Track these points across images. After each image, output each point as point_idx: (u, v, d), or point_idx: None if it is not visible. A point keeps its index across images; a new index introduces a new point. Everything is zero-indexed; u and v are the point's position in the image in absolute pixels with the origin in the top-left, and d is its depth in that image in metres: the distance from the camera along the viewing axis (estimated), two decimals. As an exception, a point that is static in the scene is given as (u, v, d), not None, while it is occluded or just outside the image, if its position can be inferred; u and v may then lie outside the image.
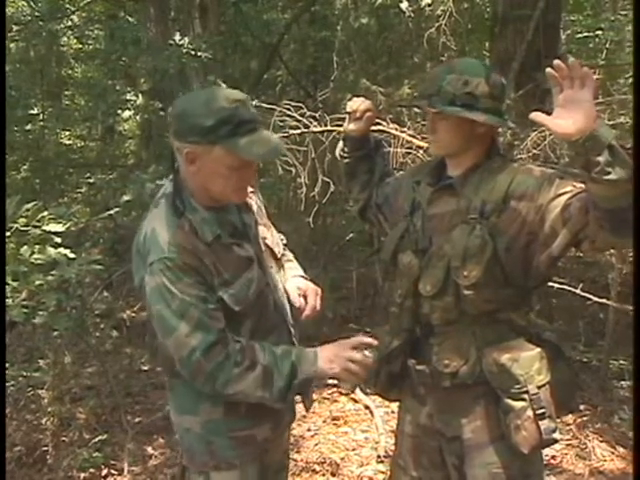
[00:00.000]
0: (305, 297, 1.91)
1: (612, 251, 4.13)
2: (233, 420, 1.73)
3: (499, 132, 3.08)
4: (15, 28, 5.45)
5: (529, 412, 1.70)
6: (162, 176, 3.46)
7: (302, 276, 1.98)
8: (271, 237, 1.87)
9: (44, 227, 2.60)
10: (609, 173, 1.36)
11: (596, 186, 1.42)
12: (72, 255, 2.68)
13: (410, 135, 3.51)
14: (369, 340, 1.70)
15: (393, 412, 3.58)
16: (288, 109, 3.40)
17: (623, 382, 4.12)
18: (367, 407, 3.93)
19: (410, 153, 3.50)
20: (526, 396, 1.71)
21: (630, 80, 5.56)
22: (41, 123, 6.58)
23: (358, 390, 4.07)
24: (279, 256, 1.91)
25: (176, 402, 1.79)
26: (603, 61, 6.31)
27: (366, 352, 1.67)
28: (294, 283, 1.93)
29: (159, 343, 1.71)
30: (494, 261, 1.70)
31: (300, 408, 1.94)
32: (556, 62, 1.38)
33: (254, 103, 3.32)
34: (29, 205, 2.62)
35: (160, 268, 1.56)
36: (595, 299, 3.76)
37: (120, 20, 6.40)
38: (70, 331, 3.64)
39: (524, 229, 1.68)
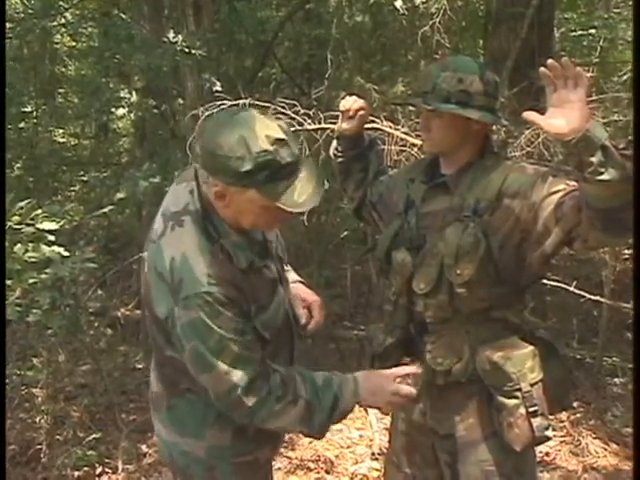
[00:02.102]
0: (309, 310, 1.86)
1: (605, 249, 4.14)
2: (239, 444, 1.65)
3: (493, 130, 3.09)
4: (8, 25, 5.42)
5: (522, 410, 1.71)
6: (156, 174, 3.46)
7: (301, 281, 1.92)
8: (279, 245, 1.80)
9: (38, 225, 2.60)
10: (602, 173, 1.37)
11: (589, 186, 1.43)
12: (66, 253, 2.67)
13: (404, 133, 3.51)
14: (414, 370, 1.64)
15: (387, 410, 3.58)
16: (282, 107, 3.39)
17: (616, 379, 4.14)
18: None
19: (404, 151, 3.49)
20: (519, 394, 1.72)
21: (624, 78, 5.58)
22: (34, 121, 6.56)
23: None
24: (285, 264, 1.84)
25: (176, 423, 1.68)
26: (597, 59, 6.32)
27: (409, 380, 1.61)
28: (299, 292, 1.86)
29: (164, 359, 1.63)
30: (487, 259, 1.70)
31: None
32: (550, 62, 1.39)
33: (249, 102, 3.33)
34: (22, 203, 2.61)
35: (198, 303, 1.44)
36: (589, 296, 3.77)
37: (114, 17, 6.37)
38: (64, 329, 3.63)
39: (517, 227, 1.68)
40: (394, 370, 1.64)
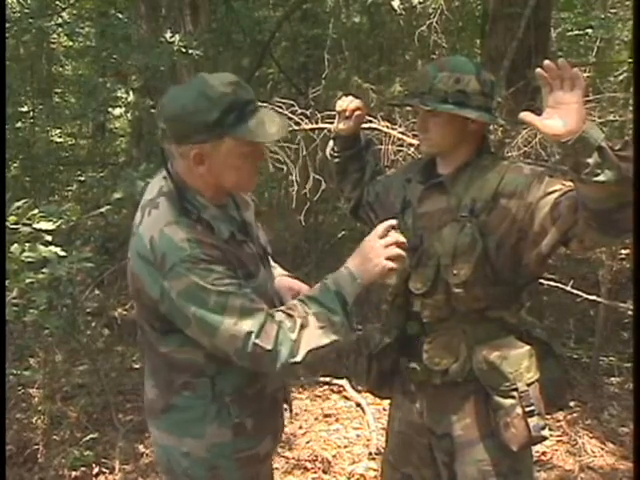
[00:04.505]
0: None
1: (602, 248, 4.15)
2: (240, 440, 1.65)
3: (490, 130, 3.09)
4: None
5: (518, 410, 1.71)
6: (153, 174, 3.45)
7: (287, 275, 1.92)
8: (263, 236, 1.81)
9: (34, 225, 2.59)
10: (598, 174, 1.37)
11: (585, 187, 1.43)
12: (63, 253, 2.66)
13: (401, 132, 3.52)
14: (390, 222, 1.57)
15: (384, 409, 3.59)
16: (279, 107, 3.39)
17: (613, 378, 4.15)
18: (358, 404, 3.94)
19: (401, 151, 3.50)
20: (515, 394, 1.72)
21: (620, 78, 5.59)
22: (31, 121, 6.55)
23: (349, 387, 4.09)
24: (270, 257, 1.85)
25: (175, 425, 1.66)
26: (593, 59, 6.33)
27: (392, 233, 1.57)
28: (285, 283, 1.86)
29: (158, 360, 1.63)
30: (484, 259, 1.70)
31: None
32: (546, 62, 1.39)
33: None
34: (19, 203, 2.61)
35: (186, 267, 1.45)
36: (585, 296, 3.78)
37: (111, 17, 6.37)
38: (61, 329, 3.63)
39: (514, 227, 1.68)
40: (372, 233, 1.58)
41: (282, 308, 1.55)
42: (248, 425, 1.64)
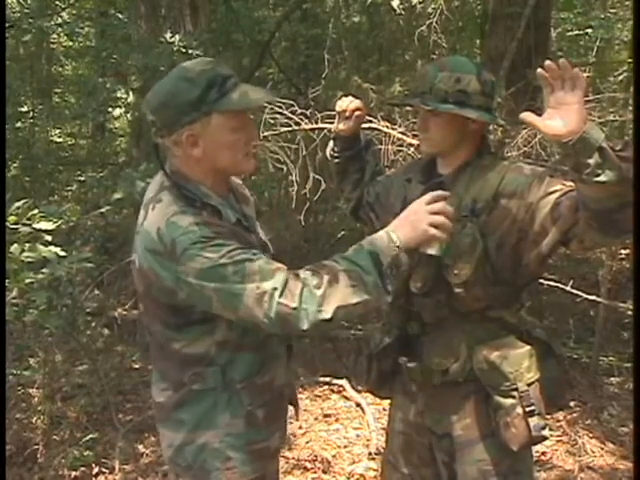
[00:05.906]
0: None
1: (602, 248, 4.15)
2: (253, 431, 1.65)
3: (490, 130, 3.09)
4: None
5: (518, 409, 1.71)
6: (153, 174, 3.45)
7: None
8: (263, 233, 1.81)
9: (34, 225, 2.59)
10: (599, 175, 1.37)
11: (586, 187, 1.43)
12: (63, 253, 2.66)
13: (401, 132, 3.52)
14: (442, 193, 1.52)
15: (384, 409, 3.59)
16: (279, 106, 3.40)
17: (613, 378, 4.16)
18: (358, 404, 3.94)
19: (401, 151, 3.50)
20: (515, 393, 1.72)
21: (620, 78, 5.60)
22: (31, 121, 6.57)
23: (349, 387, 4.09)
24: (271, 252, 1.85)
25: (188, 420, 1.64)
26: (593, 59, 6.34)
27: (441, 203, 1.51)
28: None
29: (169, 360, 1.63)
30: (484, 259, 1.70)
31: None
32: (547, 63, 1.38)
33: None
34: (19, 203, 2.61)
35: (199, 247, 1.44)
36: (585, 296, 3.78)
37: (110, 17, 6.38)
38: (61, 329, 3.63)
39: (514, 227, 1.68)
40: (421, 198, 1.53)
41: (308, 267, 1.49)
42: (259, 415, 1.65)
